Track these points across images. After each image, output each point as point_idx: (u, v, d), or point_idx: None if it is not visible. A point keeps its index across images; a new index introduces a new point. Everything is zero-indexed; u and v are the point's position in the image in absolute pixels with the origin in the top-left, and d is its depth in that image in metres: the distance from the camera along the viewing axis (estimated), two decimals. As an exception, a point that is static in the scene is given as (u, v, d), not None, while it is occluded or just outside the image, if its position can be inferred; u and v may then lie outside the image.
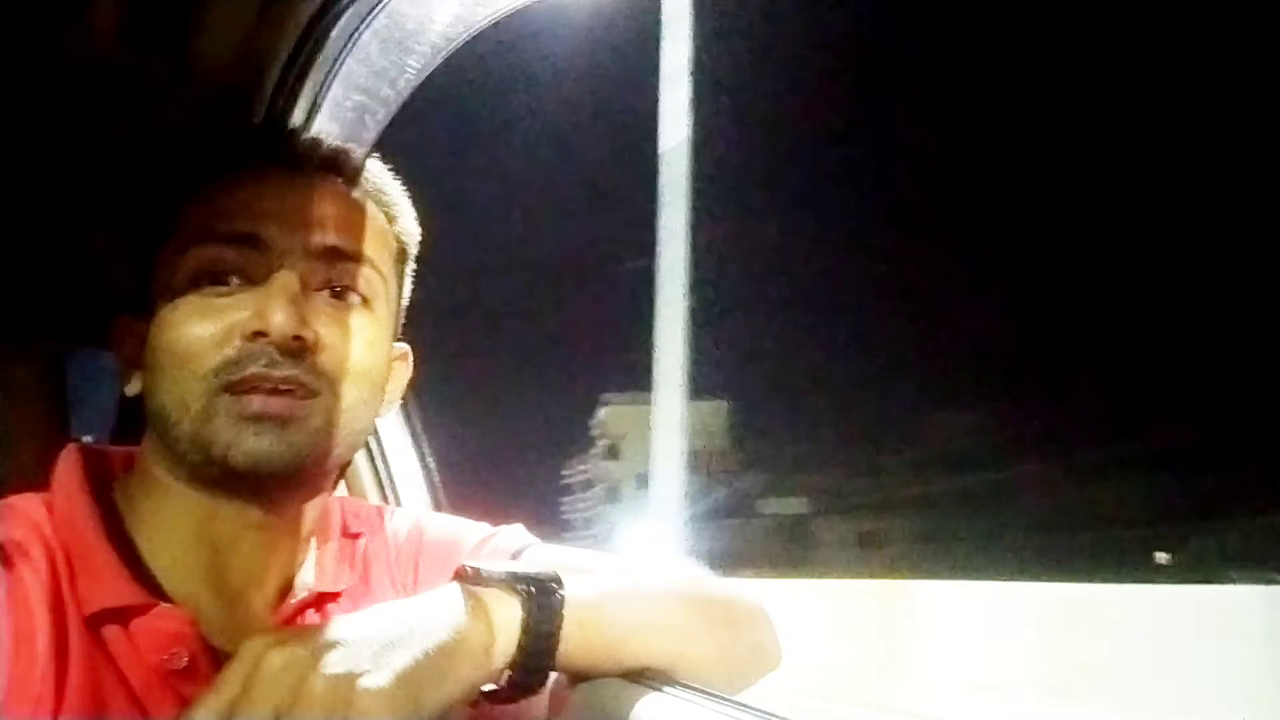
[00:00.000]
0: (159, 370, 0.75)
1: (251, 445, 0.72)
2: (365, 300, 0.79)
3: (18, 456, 1.10)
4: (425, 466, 1.27)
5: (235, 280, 0.75)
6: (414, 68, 1.04)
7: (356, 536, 0.88)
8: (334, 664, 0.58)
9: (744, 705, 0.69)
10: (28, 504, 0.75)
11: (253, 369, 0.72)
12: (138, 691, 0.70)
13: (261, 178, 0.78)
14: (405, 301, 0.89)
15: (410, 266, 0.89)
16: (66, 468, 0.78)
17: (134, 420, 0.82)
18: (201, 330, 0.74)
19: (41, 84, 0.97)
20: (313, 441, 0.75)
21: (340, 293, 0.78)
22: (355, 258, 0.79)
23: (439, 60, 1.05)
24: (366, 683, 0.57)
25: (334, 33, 0.98)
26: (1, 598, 0.66)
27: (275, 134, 0.91)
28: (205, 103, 1.00)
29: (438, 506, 1.25)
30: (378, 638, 0.61)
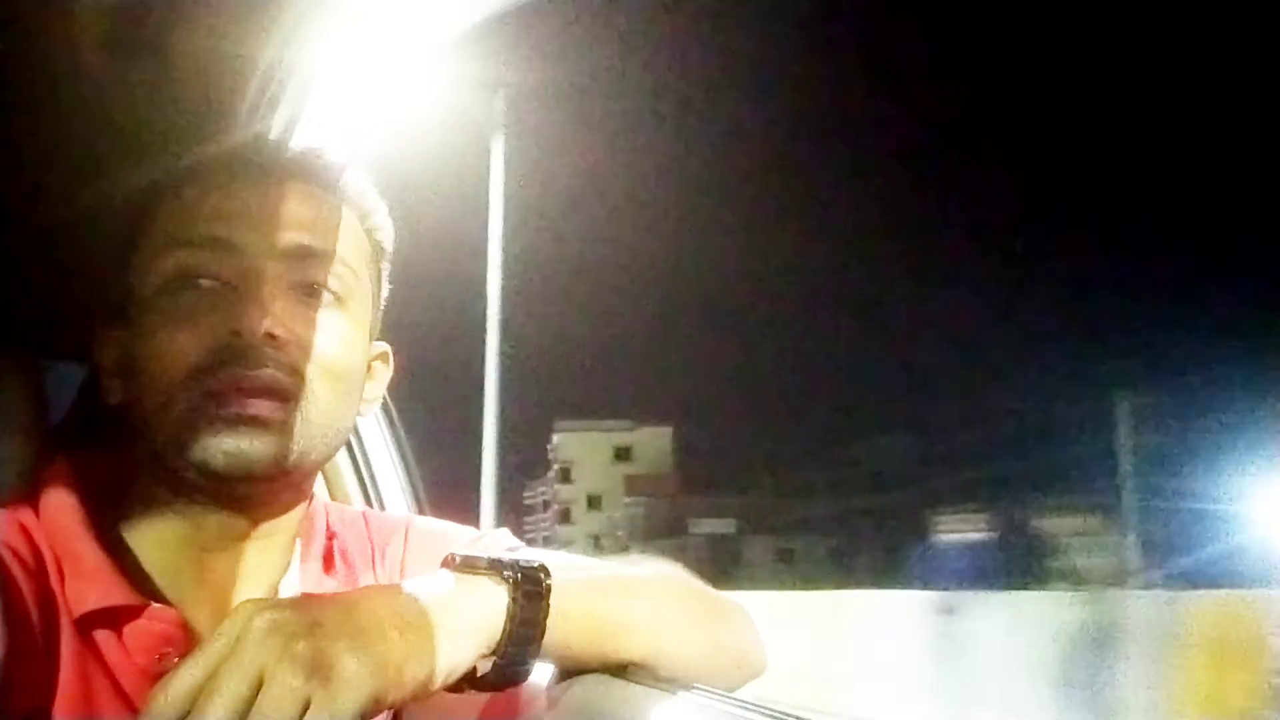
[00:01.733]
0: (139, 377, 0.69)
1: (230, 448, 0.66)
2: (339, 298, 0.73)
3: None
4: (407, 469, 1.17)
5: (208, 283, 0.69)
6: (391, 80, 0.97)
7: (342, 539, 0.81)
8: (321, 632, 0.52)
9: (737, 701, 0.64)
10: (18, 508, 0.69)
11: (228, 370, 0.66)
12: (128, 692, 0.65)
13: (231, 181, 0.73)
14: (384, 302, 0.81)
15: (387, 267, 0.81)
16: (55, 474, 0.71)
17: (81, 430, 0.76)
18: (177, 334, 0.68)
19: (18, 92, 0.87)
20: (291, 441, 0.69)
21: (313, 291, 0.72)
22: (327, 256, 0.73)
23: (414, 73, 0.98)
24: (351, 652, 0.52)
25: (316, 44, 0.89)
26: None
27: (245, 139, 0.84)
28: (185, 112, 0.90)
29: (420, 509, 1.16)
30: (367, 612, 0.55)
